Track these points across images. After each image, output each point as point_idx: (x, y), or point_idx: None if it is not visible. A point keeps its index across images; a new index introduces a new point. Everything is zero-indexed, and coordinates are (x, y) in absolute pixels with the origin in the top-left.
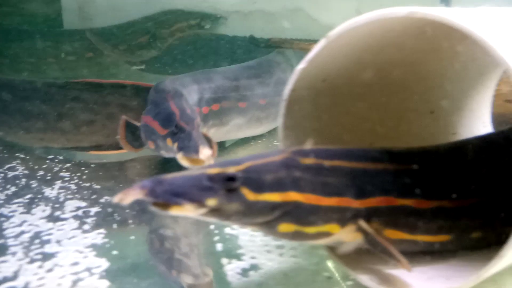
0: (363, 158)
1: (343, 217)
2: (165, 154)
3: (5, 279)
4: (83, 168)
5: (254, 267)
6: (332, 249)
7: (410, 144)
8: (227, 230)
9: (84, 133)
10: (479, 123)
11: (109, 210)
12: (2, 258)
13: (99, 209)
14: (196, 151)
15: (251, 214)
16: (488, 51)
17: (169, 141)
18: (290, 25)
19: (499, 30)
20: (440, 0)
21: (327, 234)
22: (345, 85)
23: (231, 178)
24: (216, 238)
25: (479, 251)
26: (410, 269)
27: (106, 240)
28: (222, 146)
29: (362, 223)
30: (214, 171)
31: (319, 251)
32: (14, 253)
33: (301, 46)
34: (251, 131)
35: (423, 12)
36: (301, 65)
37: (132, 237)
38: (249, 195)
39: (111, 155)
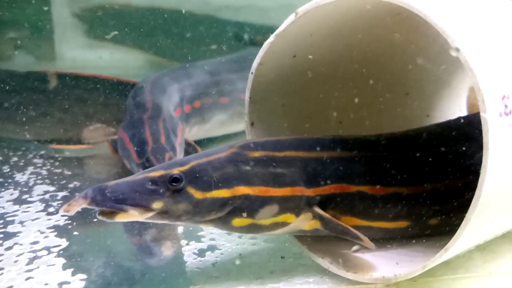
0: (316, 147)
1: (298, 206)
2: None
3: None
4: (57, 155)
5: (211, 248)
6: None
7: (382, 125)
8: None
9: (42, 126)
10: (455, 106)
11: (77, 194)
12: None
13: (67, 194)
14: None
15: (200, 212)
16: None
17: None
18: (281, 21)
19: (457, 14)
20: None
21: (283, 224)
22: (317, 62)
23: (175, 179)
24: None
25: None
26: (373, 246)
27: (69, 222)
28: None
29: (318, 209)
30: (157, 174)
31: (277, 236)
32: None
33: None
34: (234, 127)
35: None
36: (270, 39)
37: (95, 220)
38: (196, 194)
39: (71, 150)
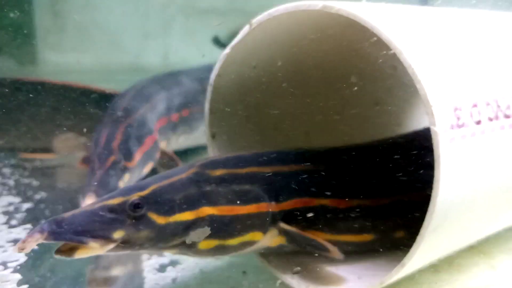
0: (278, 161)
1: (264, 222)
2: None
3: None
4: (27, 165)
5: (172, 263)
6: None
7: (351, 135)
8: None
9: (12, 135)
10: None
11: (41, 206)
12: None
13: (32, 205)
14: (84, 195)
15: (164, 238)
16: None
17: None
18: None
19: (405, 25)
20: None
21: (251, 243)
22: (279, 73)
23: (135, 205)
24: None
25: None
26: (340, 256)
27: None
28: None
29: (283, 224)
30: (116, 201)
31: None
32: None
33: None
34: None
35: (337, 8)
36: (226, 51)
37: None
38: (158, 219)
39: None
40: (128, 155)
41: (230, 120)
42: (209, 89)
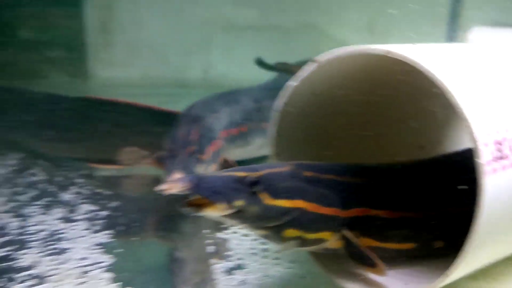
0: (347, 173)
1: (334, 225)
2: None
3: (24, 269)
4: (96, 174)
5: (239, 267)
6: (315, 255)
7: (395, 155)
8: (219, 234)
9: (85, 146)
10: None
11: (117, 213)
12: (22, 251)
13: (108, 213)
14: (170, 172)
15: (265, 218)
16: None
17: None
18: (304, 41)
19: (450, 64)
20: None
21: (321, 241)
22: (335, 100)
23: (254, 183)
24: (209, 241)
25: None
26: (385, 274)
27: (113, 240)
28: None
29: (346, 231)
30: (241, 174)
31: (299, 257)
32: (32, 248)
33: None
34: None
35: (398, 54)
36: (294, 83)
37: (136, 238)
38: (266, 199)
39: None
40: (201, 149)
41: (291, 140)
42: (276, 115)
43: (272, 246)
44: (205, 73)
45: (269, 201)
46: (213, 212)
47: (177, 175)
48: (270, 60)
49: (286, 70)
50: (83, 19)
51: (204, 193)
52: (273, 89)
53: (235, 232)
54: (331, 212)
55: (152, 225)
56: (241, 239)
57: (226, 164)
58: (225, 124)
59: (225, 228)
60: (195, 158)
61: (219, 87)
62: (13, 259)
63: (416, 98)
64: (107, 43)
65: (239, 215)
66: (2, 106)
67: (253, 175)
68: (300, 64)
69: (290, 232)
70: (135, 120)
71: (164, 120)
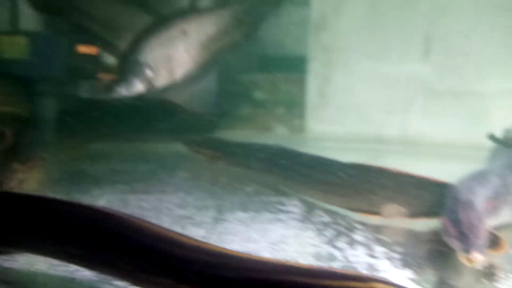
0: None
1: None
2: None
3: None
4: (367, 223)
5: None
6: None
7: None
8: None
9: (357, 200)
10: None
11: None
12: None
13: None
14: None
15: None
16: None
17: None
18: (503, 108)
19: None
20: None
21: None
22: None
23: None
24: None
25: None
26: None
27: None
28: None
29: None
30: None
31: None
32: None
33: None
34: None
35: None
36: None
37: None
38: None
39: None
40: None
41: None
42: None
43: None
44: (403, 131)
45: None
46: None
47: (477, 255)
48: (469, 125)
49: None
50: (304, 84)
51: None
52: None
53: None
54: None
55: None
56: None
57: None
58: (491, 195)
59: None
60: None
61: (415, 145)
62: None
63: None
64: (322, 104)
65: None
66: (248, 160)
67: None
68: None
69: None
70: (398, 184)
71: (424, 186)
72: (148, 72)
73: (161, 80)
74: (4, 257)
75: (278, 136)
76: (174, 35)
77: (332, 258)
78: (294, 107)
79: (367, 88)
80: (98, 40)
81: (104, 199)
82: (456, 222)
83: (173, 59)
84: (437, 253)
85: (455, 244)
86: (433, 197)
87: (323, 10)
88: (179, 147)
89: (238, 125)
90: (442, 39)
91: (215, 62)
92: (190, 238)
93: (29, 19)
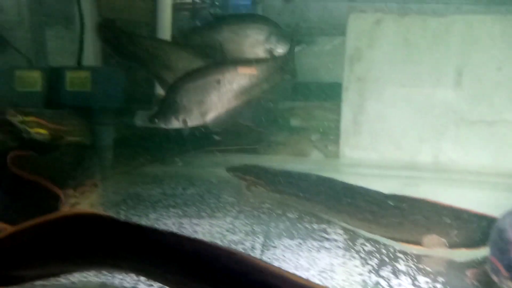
0: None
1: None
2: None
3: None
4: (408, 252)
5: None
6: None
7: None
8: None
9: (396, 231)
10: None
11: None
12: None
13: None
14: None
15: None
16: None
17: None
18: None
19: None
20: None
21: None
22: None
23: None
24: None
25: None
26: None
27: None
28: None
29: None
30: None
31: None
32: None
33: None
34: None
35: None
36: None
37: None
38: None
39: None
40: None
41: None
42: None
43: None
44: (435, 158)
45: None
46: None
47: None
48: (500, 153)
49: None
50: (339, 112)
51: None
52: None
53: None
54: None
55: None
56: None
57: None
58: None
59: None
60: None
61: (448, 172)
62: None
63: None
64: (356, 131)
65: None
66: (288, 187)
67: None
68: None
69: None
70: (439, 215)
71: (464, 217)
72: (182, 112)
73: (193, 120)
74: None
75: (313, 161)
76: (209, 83)
77: (378, 287)
78: (329, 134)
79: (400, 116)
80: (155, 77)
81: (161, 223)
82: (507, 263)
83: (205, 104)
84: (480, 284)
85: (505, 283)
86: (473, 228)
87: (358, 44)
88: (222, 172)
89: (275, 150)
90: (474, 70)
91: (254, 104)
92: (304, 279)
93: (92, 54)
